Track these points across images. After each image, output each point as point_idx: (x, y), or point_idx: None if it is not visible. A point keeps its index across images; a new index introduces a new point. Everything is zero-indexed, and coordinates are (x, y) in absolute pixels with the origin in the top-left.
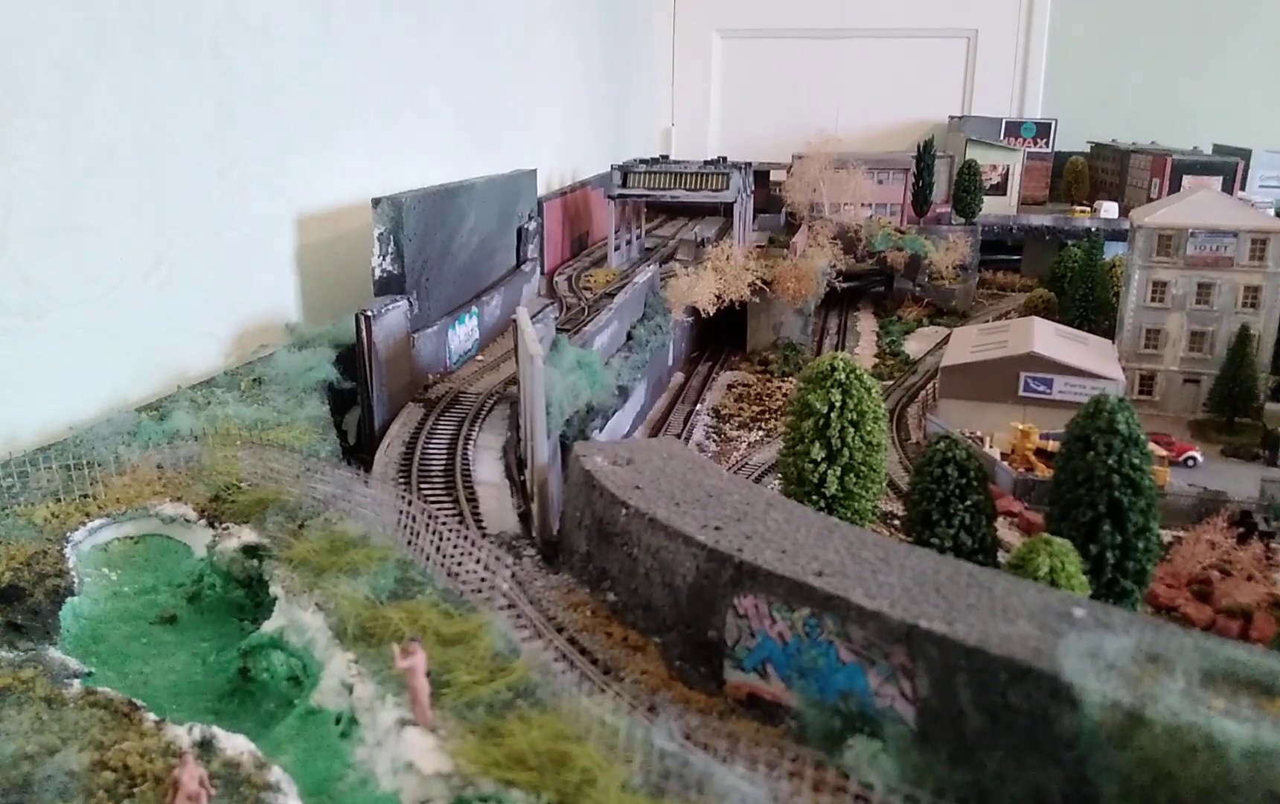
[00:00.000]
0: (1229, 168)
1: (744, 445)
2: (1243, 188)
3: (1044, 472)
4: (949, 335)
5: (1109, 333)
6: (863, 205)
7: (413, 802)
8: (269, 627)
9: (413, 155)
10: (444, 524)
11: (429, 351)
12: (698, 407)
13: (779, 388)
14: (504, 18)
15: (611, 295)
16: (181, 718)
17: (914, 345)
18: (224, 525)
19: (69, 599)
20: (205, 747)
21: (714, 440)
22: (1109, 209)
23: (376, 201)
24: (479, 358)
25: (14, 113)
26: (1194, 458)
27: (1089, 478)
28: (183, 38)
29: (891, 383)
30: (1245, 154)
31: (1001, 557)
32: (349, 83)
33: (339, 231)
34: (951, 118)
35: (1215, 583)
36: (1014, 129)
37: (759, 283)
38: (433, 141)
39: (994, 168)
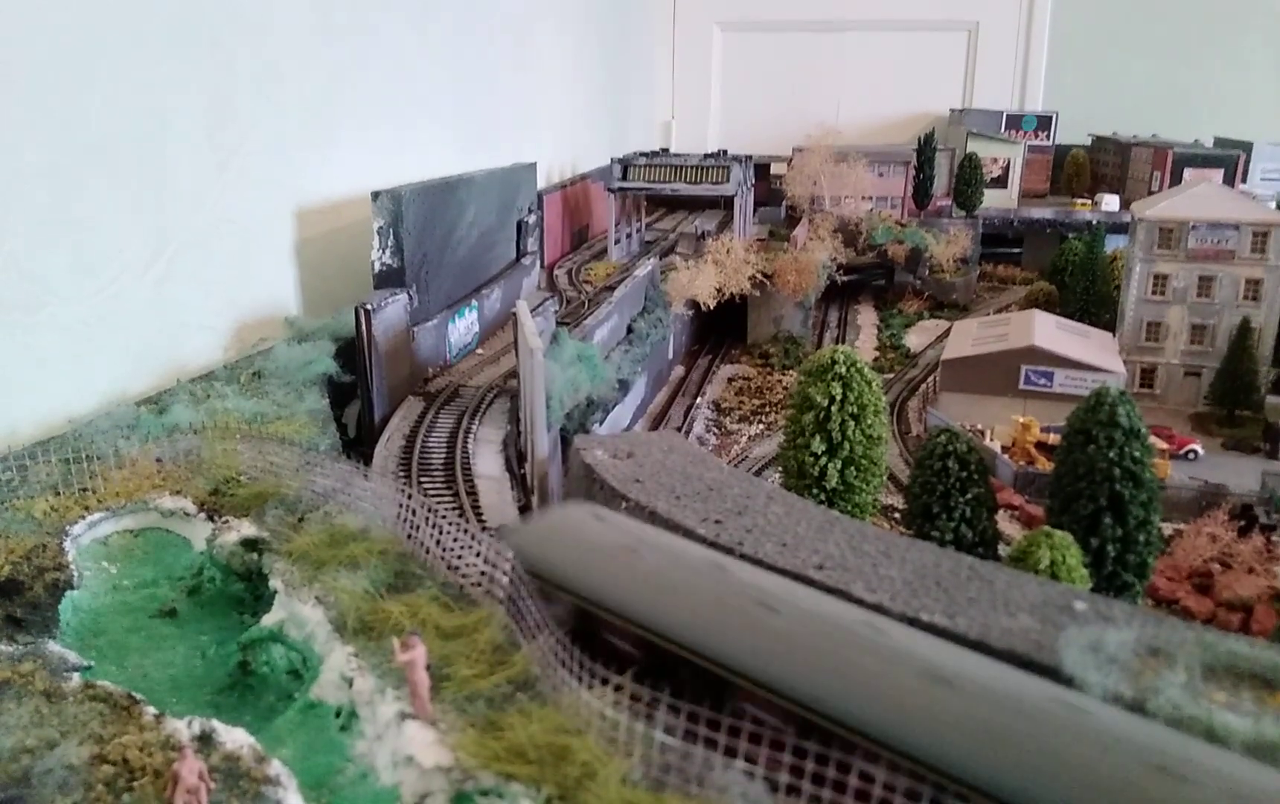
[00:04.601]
0: (1230, 161)
1: (744, 439)
2: (1244, 181)
3: (1045, 465)
4: (949, 329)
5: (1110, 326)
6: (863, 198)
7: (412, 795)
8: (269, 620)
9: (412, 148)
10: (444, 517)
11: (429, 345)
12: (698, 400)
13: (779, 381)
14: (504, 9)
15: (611, 289)
16: (181, 711)
17: (914, 339)
18: (223, 519)
19: (68, 593)
20: (205, 740)
21: (714, 434)
22: (1110, 202)
23: (376, 195)
24: (479, 351)
25: (12, 105)
26: (1195, 451)
27: (1090, 471)
28: (181, 29)
29: (892, 376)
30: (1246, 147)
31: (1002, 550)
32: (348, 75)
33: (338, 224)
34: (952, 111)
35: (1216, 576)
36: (1015, 122)
37: (759, 276)
38: (432, 134)
39: (995, 161)
